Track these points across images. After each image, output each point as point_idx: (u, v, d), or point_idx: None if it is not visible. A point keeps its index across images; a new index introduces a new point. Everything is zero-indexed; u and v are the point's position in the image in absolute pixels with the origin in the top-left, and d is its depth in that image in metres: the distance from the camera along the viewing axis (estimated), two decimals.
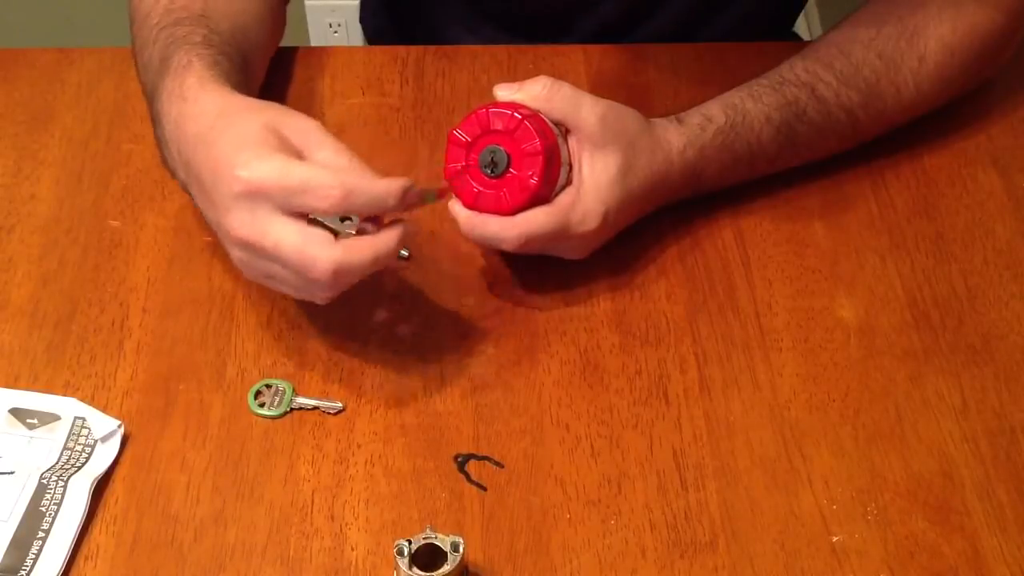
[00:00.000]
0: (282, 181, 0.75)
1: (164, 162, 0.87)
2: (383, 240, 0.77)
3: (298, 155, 0.77)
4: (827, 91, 0.93)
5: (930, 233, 0.94)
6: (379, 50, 1.09)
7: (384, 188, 0.76)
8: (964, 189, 0.97)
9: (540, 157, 0.83)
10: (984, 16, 0.96)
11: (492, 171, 0.83)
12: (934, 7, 0.95)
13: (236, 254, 0.79)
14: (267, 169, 0.75)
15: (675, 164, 0.89)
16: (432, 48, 1.06)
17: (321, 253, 0.75)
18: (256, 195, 0.75)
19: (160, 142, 0.87)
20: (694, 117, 0.91)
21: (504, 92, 0.85)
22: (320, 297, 0.79)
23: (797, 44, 0.99)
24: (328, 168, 0.76)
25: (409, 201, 0.77)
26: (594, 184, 0.85)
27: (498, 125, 0.83)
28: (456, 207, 0.85)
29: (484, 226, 0.84)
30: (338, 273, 0.76)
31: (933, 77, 0.95)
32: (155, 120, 0.87)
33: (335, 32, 2.10)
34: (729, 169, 0.92)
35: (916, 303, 0.89)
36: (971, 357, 0.86)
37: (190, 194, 0.83)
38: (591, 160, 0.85)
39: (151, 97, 0.88)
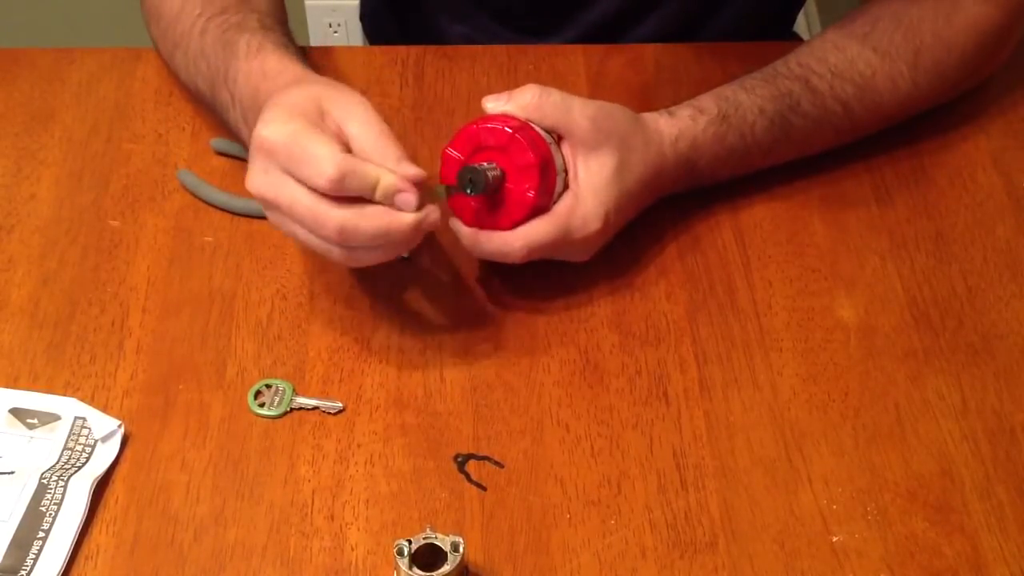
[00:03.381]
0: (287, 147, 0.77)
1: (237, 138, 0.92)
2: (395, 216, 0.77)
3: (336, 128, 0.79)
4: (821, 83, 0.93)
5: (930, 233, 0.94)
6: (379, 50, 1.09)
7: (375, 180, 0.76)
8: (964, 189, 0.97)
9: (535, 170, 0.82)
10: (981, 12, 0.96)
11: (471, 191, 0.82)
12: (931, 3, 0.95)
13: (265, 212, 0.81)
14: (280, 132, 0.77)
15: (668, 156, 0.89)
16: (432, 48, 1.06)
17: (329, 213, 0.76)
18: (268, 154, 0.78)
19: (232, 128, 0.91)
20: (685, 109, 0.91)
21: (493, 104, 0.85)
22: (337, 256, 0.79)
23: (797, 43, 0.99)
24: (337, 147, 0.77)
25: (399, 206, 0.77)
26: (591, 187, 0.85)
27: (490, 141, 0.83)
28: (457, 225, 0.85)
29: (488, 242, 0.84)
30: (344, 234, 0.76)
31: (930, 72, 0.96)
32: (224, 106, 0.90)
33: (335, 32, 2.10)
34: (723, 161, 0.92)
35: (916, 303, 0.89)
36: (971, 357, 0.86)
37: None
38: (586, 163, 0.85)
39: (215, 82, 0.91)
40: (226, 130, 0.94)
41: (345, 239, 0.77)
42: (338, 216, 0.76)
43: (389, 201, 0.77)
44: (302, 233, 0.79)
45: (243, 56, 0.88)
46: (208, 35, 0.92)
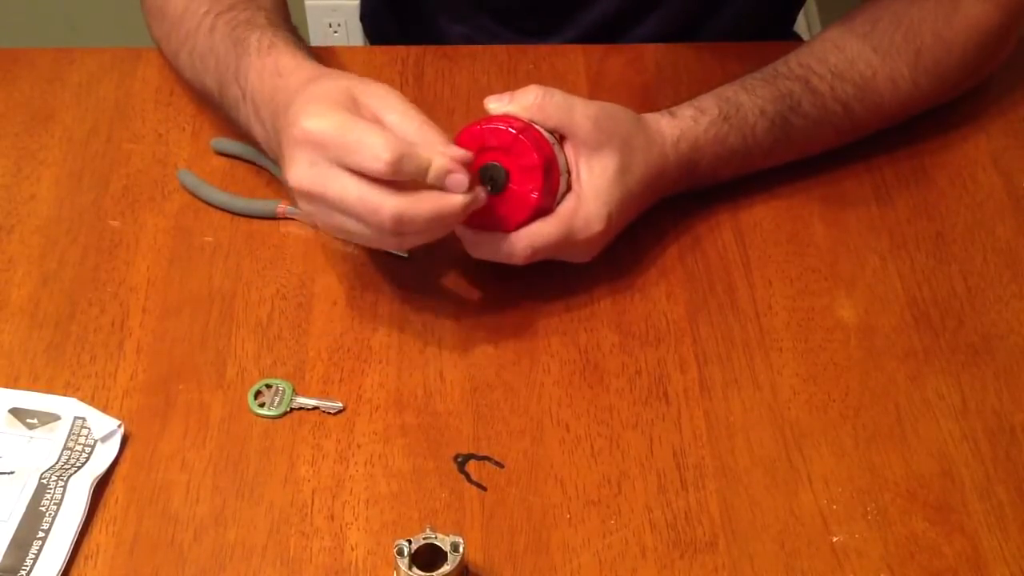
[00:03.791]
0: (339, 137, 0.77)
1: (247, 136, 0.92)
2: (448, 199, 0.79)
3: (372, 118, 0.79)
4: (821, 84, 0.93)
5: (930, 233, 0.94)
6: (379, 50, 1.09)
7: (428, 161, 0.77)
8: (964, 189, 0.97)
9: (539, 171, 0.83)
10: (981, 12, 0.96)
11: (492, 189, 0.83)
12: (931, 3, 0.95)
13: (304, 207, 0.81)
14: (327, 123, 0.78)
15: (670, 157, 0.89)
16: (432, 48, 1.06)
17: (384, 201, 0.77)
18: (316, 146, 0.78)
19: (242, 124, 0.90)
20: (686, 110, 0.91)
21: (495, 104, 0.85)
22: (392, 245, 0.81)
23: (797, 44, 1.00)
24: (388, 132, 0.77)
25: (451, 187, 0.78)
26: (594, 188, 0.85)
27: (493, 141, 0.83)
28: (459, 226, 0.85)
29: (490, 244, 0.84)
30: (401, 221, 0.77)
31: (930, 72, 0.96)
32: (233, 103, 0.90)
33: (335, 32, 2.10)
34: (724, 161, 0.92)
35: (916, 303, 0.89)
36: (971, 357, 0.86)
37: (280, 167, 0.85)
38: (588, 164, 0.85)
39: (224, 79, 0.91)
40: (231, 128, 0.94)
41: (401, 226, 0.78)
42: (394, 203, 0.77)
43: (440, 182, 0.78)
44: (350, 224, 0.79)
45: (255, 52, 0.88)
46: (217, 32, 0.92)
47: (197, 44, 0.94)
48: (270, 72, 0.87)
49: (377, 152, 0.76)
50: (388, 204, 0.77)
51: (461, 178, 0.78)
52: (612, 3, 1.12)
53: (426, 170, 0.77)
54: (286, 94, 0.84)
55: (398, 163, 0.76)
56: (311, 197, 0.79)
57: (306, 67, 0.86)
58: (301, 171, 0.78)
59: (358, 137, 0.77)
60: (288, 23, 0.95)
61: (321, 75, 0.84)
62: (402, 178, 0.77)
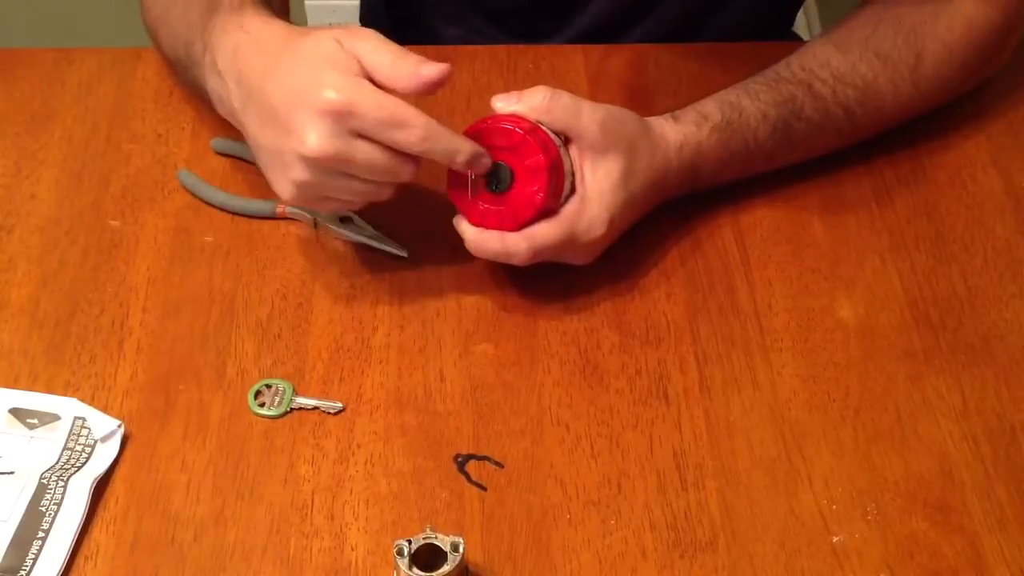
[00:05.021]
0: (376, 111, 0.77)
1: (204, 97, 0.91)
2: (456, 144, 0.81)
3: (367, 69, 0.80)
4: (824, 88, 0.93)
5: (930, 233, 0.94)
6: None
7: (459, 144, 0.80)
8: (964, 189, 0.97)
9: (544, 173, 0.83)
10: (982, 15, 0.96)
11: (496, 188, 0.83)
12: (931, 6, 0.95)
13: (300, 176, 0.80)
14: (359, 94, 0.78)
15: (673, 163, 0.89)
16: (431, 49, 1.06)
17: (407, 164, 0.80)
18: (345, 116, 0.77)
19: (200, 79, 0.89)
20: (690, 115, 0.91)
21: (503, 104, 0.85)
22: (386, 194, 0.82)
23: (797, 44, 0.99)
24: (412, 107, 0.78)
25: (477, 167, 0.82)
26: (597, 191, 0.85)
27: (500, 141, 0.83)
28: (462, 224, 0.85)
29: (493, 243, 0.84)
30: (428, 138, 0.79)
31: (931, 76, 0.96)
32: (196, 59, 0.89)
33: None
34: (726, 166, 0.92)
35: (916, 303, 0.89)
36: (971, 357, 0.86)
37: (242, 126, 0.85)
38: (593, 167, 0.85)
39: (192, 38, 0.90)
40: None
41: (429, 142, 0.79)
42: (414, 166, 0.80)
43: (469, 167, 0.82)
44: (353, 185, 0.80)
45: (225, 11, 0.87)
46: (193, 1, 0.92)
47: (172, 14, 0.94)
48: (234, 27, 0.85)
49: (414, 127, 0.78)
50: (411, 165, 0.80)
51: (486, 161, 0.82)
52: (606, 7, 1.11)
53: (449, 150, 0.79)
54: (260, 52, 0.83)
55: (429, 139, 0.78)
56: (325, 162, 0.79)
57: (271, 25, 0.85)
58: (324, 138, 0.78)
59: (395, 112, 0.77)
60: None
61: (294, 36, 0.83)
62: (429, 155, 0.79)
